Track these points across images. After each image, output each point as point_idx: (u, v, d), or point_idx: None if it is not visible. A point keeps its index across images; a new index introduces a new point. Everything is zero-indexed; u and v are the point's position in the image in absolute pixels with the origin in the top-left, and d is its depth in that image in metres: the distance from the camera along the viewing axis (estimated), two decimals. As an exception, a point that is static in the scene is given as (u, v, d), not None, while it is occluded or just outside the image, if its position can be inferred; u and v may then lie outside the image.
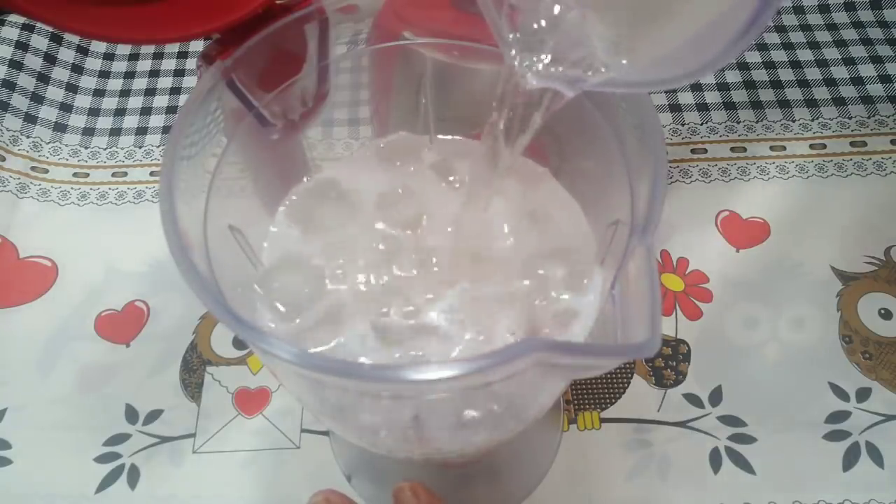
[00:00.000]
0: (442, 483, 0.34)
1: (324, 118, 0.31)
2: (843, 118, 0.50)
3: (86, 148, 0.51)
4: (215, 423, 0.40)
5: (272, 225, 0.30)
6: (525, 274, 0.28)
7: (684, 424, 0.39)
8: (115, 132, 0.52)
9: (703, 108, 0.51)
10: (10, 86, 0.51)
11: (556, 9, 0.20)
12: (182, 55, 0.56)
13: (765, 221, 0.46)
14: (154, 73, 0.55)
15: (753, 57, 0.54)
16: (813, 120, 0.50)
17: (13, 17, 0.54)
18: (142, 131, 0.52)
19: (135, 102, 0.54)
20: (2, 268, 0.46)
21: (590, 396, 0.40)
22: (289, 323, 0.27)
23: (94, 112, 0.53)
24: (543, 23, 0.20)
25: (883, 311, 0.42)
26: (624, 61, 0.20)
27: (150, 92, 0.54)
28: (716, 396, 0.39)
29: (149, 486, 0.38)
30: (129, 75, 0.55)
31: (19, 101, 0.51)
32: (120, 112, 0.53)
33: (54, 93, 0.53)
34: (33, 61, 0.53)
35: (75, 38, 0.55)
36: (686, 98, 0.52)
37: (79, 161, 0.51)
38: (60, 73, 0.54)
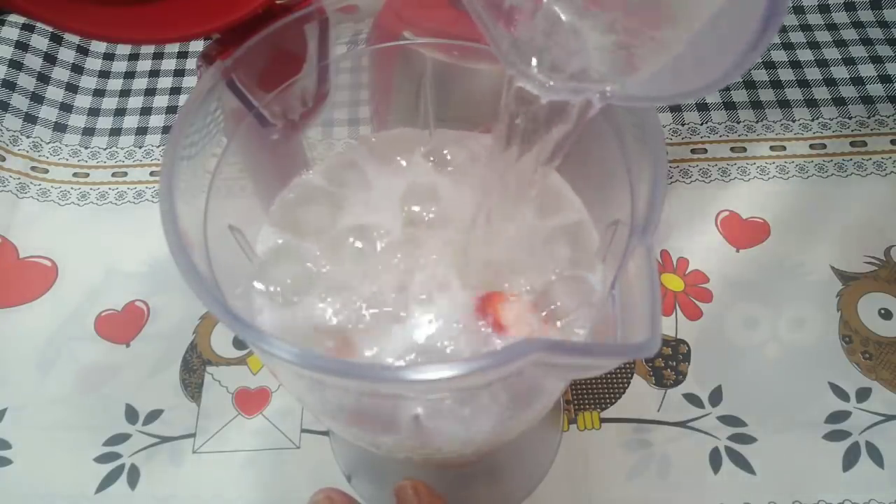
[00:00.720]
0: (442, 483, 0.34)
1: (324, 118, 0.31)
2: (843, 118, 0.50)
3: (86, 148, 0.51)
4: (215, 423, 0.40)
5: (267, 217, 0.30)
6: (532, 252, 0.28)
7: (684, 424, 0.39)
8: (115, 132, 0.52)
9: (703, 107, 0.51)
10: (10, 86, 0.52)
11: (556, 16, 0.20)
12: (182, 55, 0.56)
13: (765, 221, 0.46)
14: (154, 73, 0.55)
15: (753, 57, 0.53)
16: (813, 120, 0.50)
17: (13, 17, 0.54)
18: (142, 131, 0.52)
19: (135, 102, 0.54)
20: (2, 268, 0.46)
21: (590, 396, 0.40)
22: (286, 307, 0.27)
23: (94, 112, 0.53)
24: (543, 32, 0.20)
25: (883, 311, 0.42)
26: (626, 75, 0.20)
27: (150, 92, 0.54)
28: (716, 396, 0.39)
29: (149, 486, 0.38)
30: (129, 75, 0.55)
31: (19, 101, 0.51)
32: (120, 112, 0.53)
33: (54, 93, 0.53)
34: (33, 61, 0.53)
35: (75, 38, 0.55)
36: (686, 98, 0.52)
37: (79, 161, 0.51)
38: (60, 73, 0.54)
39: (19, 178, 0.49)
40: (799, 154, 0.49)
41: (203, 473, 0.38)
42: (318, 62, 0.28)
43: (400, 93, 0.34)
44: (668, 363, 0.41)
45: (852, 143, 0.49)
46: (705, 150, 0.49)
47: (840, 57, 0.53)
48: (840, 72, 0.52)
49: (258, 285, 0.28)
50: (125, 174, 0.50)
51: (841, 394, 0.39)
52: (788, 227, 0.45)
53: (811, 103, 0.51)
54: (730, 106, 0.51)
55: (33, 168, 0.50)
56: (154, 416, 0.40)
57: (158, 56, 0.56)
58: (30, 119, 0.51)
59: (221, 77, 0.25)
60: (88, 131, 0.52)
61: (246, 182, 0.29)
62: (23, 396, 0.41)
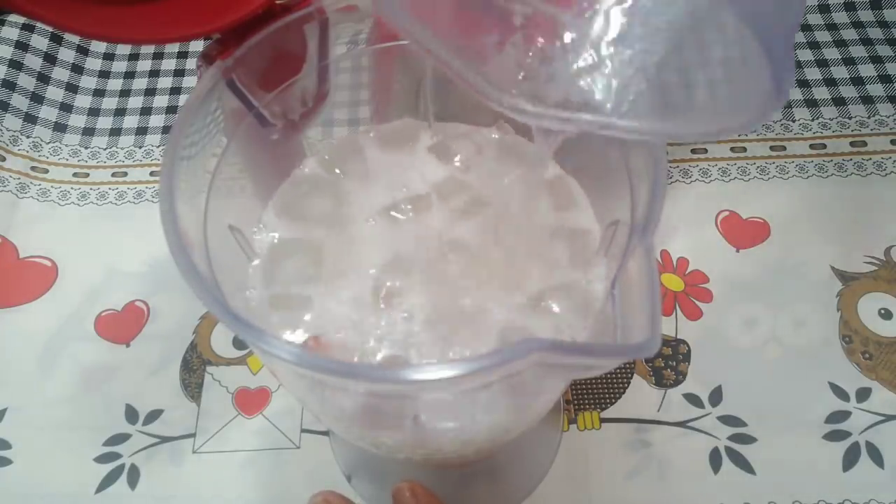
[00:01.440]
0: (442, 483, 0.34)
1: (324, 118, 0.31)
2: (843, 118, 0.50)
3: (86, 148, 0.51)
4: (215, 423, 0.40)
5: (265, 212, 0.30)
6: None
7: (684, 424, 0.39)
8: (115, 132, 0.52)
9: (703, 108, 0.51)
10: (10, 86, 0.51)
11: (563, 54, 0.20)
12: (182, 55, 0.56)
13: (765, 221, 0.46)
14: (154, 73, 0.55)
15: (753, 57, 0.54)
16: (813, 120, 0.50)
17: (13, 17, 0.54)
18: (142, 131, 0.52)
19: (135, 102, 0.54)
20: (2, 268, 0.46)
21: (590, 396, 0.40)
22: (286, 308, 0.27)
23: (94, 112, 0.53)
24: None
25: (883, 311, 0.42)
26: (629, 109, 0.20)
27: (150, 92, 0.54)
28: (716, 396, 0.39)
29: (149, 487, 0.38)
30: (129, 75, 0.55)
31: (19, 101, 0.51)
32: (120, 112, 0.53)
33: (54, 93, 0.53)
34: (33, 61, 0.53)
35: (75, 38, 0.55)
36: (686, 98, 0.52)
37: (79, 161, 0.51)
38: (60, 73, 0.54)
39: (19, 178, 0.49)
40: (799, 154, 0.49)
41: (203, 473, 0.38)
42: (318, 62, 0.28)
43: (400, 93, 0.34)
44: (668, 363, 0.41)
45: (852, 143, 0.49)
46: (705, 150, 0.49)
47: (840, 57, 0.53)
48: (840, 72, 0.52)
49: (257, 284, 0.28)
50: (125, 174, 0.50)
51: (841, 394, 0.39)
52: (788, 227, 0.45)
53: (811, 103, 0.51)
54: (730, 106, 0.51)
55: (33, 168, 0.50)
56: (154, 416, 0.40)
57: (158, 56, 0.56)
58: (30, 119, 0.51)
59: (221, 77, 0.25)
60: (88, 131, 0.52)
61: (246, 182, 0.29)
62: (23, 396, 0.41)
